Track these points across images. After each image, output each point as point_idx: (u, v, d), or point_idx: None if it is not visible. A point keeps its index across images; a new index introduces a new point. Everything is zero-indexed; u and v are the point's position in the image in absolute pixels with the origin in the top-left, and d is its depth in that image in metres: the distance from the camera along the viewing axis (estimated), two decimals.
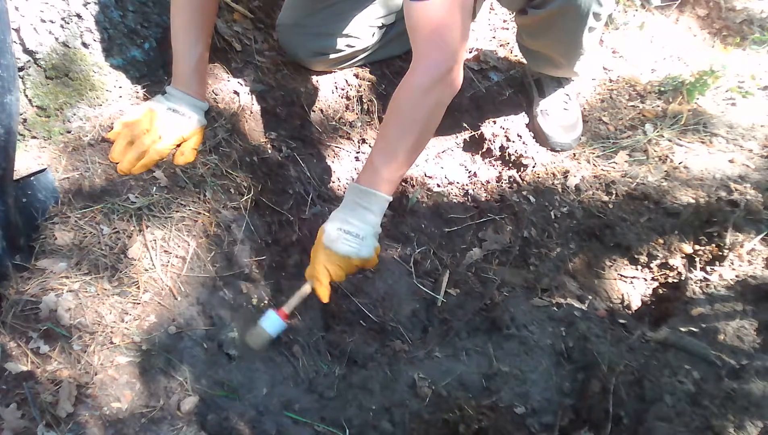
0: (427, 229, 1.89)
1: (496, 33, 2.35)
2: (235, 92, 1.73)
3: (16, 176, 1.28)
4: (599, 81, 2.26)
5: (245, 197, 1.56)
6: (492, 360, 1.40)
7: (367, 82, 1.99)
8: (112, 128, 1.49)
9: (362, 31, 1.87)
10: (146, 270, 1.31)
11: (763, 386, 1.23)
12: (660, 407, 1.24)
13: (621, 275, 1.77)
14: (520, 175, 1.98)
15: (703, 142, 1.99)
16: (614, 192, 1.87)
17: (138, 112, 1.50)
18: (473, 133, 2.06)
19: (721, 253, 1.63)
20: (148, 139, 1.45)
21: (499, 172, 2.02)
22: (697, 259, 1.68)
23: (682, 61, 2.36)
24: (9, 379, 1.08)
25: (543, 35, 1.73)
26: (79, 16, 1.47)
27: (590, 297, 1.73)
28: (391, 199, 1.41)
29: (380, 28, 1.91)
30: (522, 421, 1.31)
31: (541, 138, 2.03)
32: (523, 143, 2.01)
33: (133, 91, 1.60)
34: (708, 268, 1.64)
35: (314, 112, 1.91)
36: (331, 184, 1.88)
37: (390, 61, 2.05)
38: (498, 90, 2.14)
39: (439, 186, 2.00)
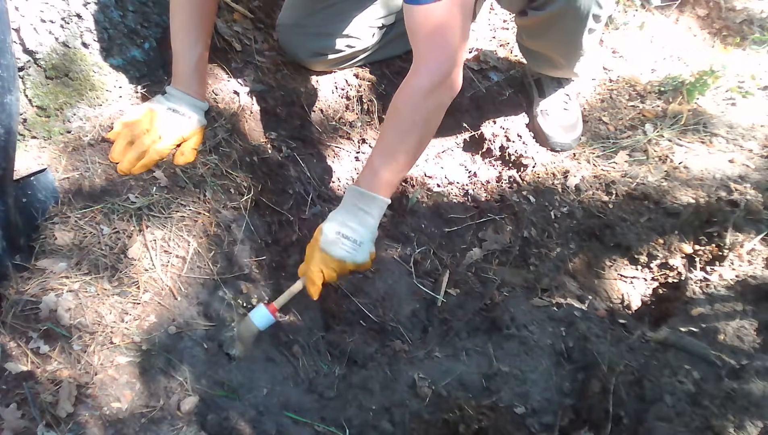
0: (427, 229, 1.89)
1: (496, 33, 2.35)
2: (235, 92, 1.73)
3: (16, 176, 1.28)
4: (599, 81, 2.26)
5: (245, 197, 1.56)
6: (492, 360, 1.40)
7: (367, 82, 1.99)
8: (112, 128, 1.49)
9: (362, 31, 1.87)
10: (146, 270, 1.31)
11: (763, 386, 1.23)
12: (660, 407, 1.24)
13: (621, 275, 1.77)
14: (520, 175, 1.98)
15: (703, 142, 1.99)
16: (614, 192, 1.87)
17: (138, 112, 1.50)
18: (473, 133, 2.06)
19: (721, 253, 1.63)
20: (148, 139, 1.45)
21: (499, 172, 2.02)
22: (697, 259, 1.68)
23: (682, 61, 2.36)
24: (9, 379, 1.08)
25: (543, 36, 1.74)
26: (79, 16, 1.47)
27: (590, 297, 1.73)
28: (390, 201, 1.41)
29: (380, 28, 1.91)
30: (522, 421, 1.31)
31: (541, 138, 2.03)
32: (523, 143, 2.01)
33: (133, 91, 1.60)
34: (708, 268, 1.64)
35: (314, 112, 1.91)
36: (331, 184, 1.88)
37: (390, 61, 2.05)
38: (498, 90, 2.14)
39: (439, 186, 2.00)
